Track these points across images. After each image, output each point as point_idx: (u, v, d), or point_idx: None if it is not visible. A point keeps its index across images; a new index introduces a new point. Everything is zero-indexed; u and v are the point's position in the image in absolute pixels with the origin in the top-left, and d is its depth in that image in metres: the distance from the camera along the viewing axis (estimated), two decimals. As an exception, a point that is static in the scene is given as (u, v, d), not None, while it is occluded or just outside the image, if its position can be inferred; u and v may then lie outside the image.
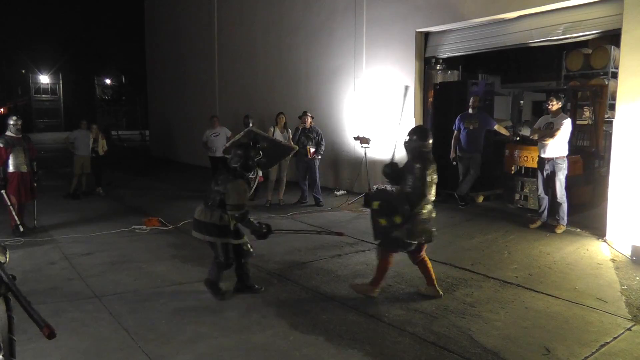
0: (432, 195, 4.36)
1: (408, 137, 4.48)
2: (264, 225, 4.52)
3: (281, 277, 5.15)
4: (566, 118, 6.70)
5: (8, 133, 6.99)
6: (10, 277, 1.64)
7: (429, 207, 4.37)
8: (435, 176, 4.37)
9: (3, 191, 6.87)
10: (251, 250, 4.73)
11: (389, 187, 5.40)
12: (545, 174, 6.75)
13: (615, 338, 3.69)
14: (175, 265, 5.54)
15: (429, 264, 4.59)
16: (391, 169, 4.60)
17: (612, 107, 7.60)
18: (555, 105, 6.65)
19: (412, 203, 4.27)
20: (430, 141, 4.44)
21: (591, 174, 7.95)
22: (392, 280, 4.90)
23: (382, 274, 4.53)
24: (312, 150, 8.83)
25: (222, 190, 4.42)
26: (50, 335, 1.50)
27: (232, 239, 4.51)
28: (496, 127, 8.33)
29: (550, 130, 6.62)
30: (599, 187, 7.71)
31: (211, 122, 10.69)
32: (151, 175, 13.96)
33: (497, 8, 7.64)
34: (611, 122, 6.66)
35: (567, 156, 6.66)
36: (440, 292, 4.53)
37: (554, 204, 6.76)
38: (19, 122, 7.07)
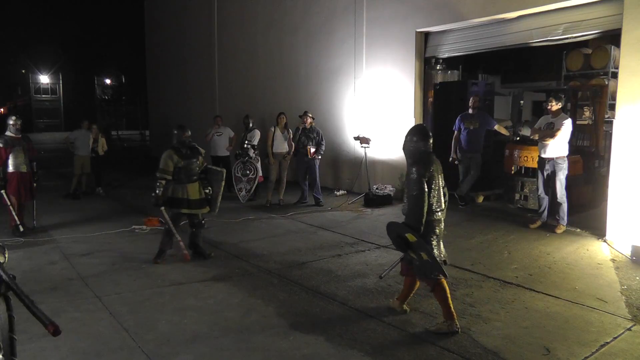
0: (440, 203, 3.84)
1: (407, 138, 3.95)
2: (154, 199, 5.54)
3: (281, 277, 5.15)
4: (567, 118, 6.70)
5: (8, 133, 6.98)
6: (11, 276, 1.64)
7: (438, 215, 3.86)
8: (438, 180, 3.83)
9: (3, 191, 6.87)
10: (203, 222, 5.80)
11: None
12: (545, 174, 6.75)
13: (615, 338, 3.69)
14: (175, 265, 5.53)
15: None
16: None
17: (612, 107, 7.61)
18: (554, 105, 6.64)
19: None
20: (431, 141, 3.91)
21: (591, 174, 7.95)
22: (392, 280, 4.90)
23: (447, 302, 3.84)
24: (312, 150, 8.83)
25: None
26: (55, 332, 1.51)
27: (171, 207, 5.63)
28: (496, 127, 8.32)
29: (550, 131, 6.62)
30: (599, 187, 7.70)
31: (214, 121, 10.70)
32: (151, 175, 13.92)
33: (497, 8, 7.64)
34: (611, 122, 6.66)
35: (567, 156, 6.66)
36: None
37: (554, 204, 6.76)
38: (19, 122, 7.07)
